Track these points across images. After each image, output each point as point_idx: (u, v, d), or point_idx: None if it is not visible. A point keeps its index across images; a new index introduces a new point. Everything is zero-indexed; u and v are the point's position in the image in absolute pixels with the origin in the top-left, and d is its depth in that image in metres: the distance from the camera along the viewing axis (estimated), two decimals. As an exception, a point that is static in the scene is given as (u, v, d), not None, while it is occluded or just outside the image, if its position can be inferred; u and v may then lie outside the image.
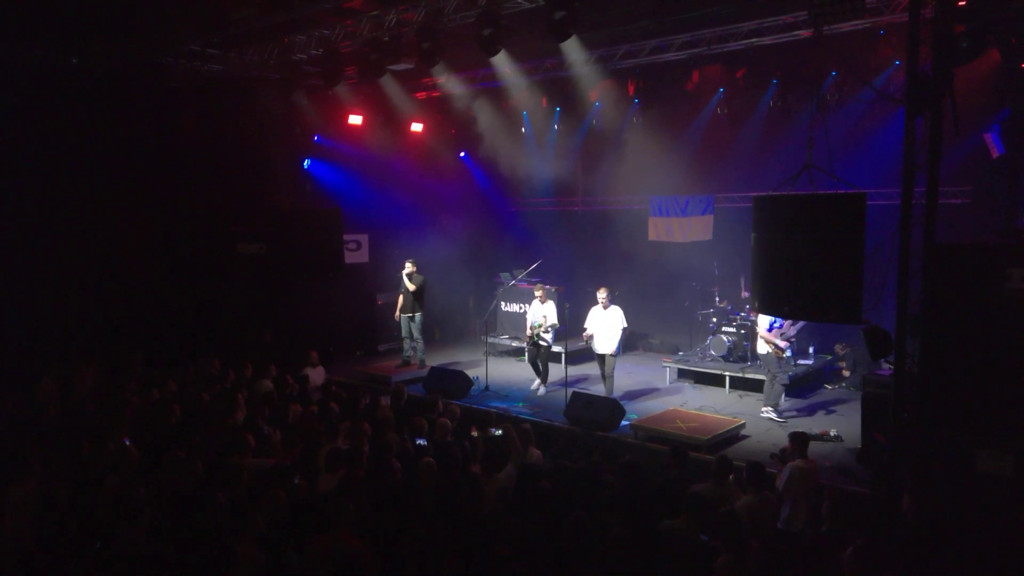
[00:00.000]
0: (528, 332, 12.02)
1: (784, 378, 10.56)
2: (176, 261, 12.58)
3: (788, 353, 10.90)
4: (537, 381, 12.01)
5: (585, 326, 11.35)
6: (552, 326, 11.81)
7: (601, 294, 11.31)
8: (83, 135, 11.49)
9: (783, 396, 10.66)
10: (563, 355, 11.81)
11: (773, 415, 10.26)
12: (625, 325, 11.18)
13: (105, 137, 11.68)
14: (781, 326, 10.59)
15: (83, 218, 11.60)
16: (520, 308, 14.53)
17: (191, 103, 12.68)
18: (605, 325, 11.11)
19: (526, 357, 12.37)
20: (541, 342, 11.80)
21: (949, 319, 6.74)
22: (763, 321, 10.57)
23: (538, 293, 12.04)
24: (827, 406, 11.00)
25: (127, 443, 6.84)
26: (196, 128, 12.69)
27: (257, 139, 13.27)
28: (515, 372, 13.42)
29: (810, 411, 10.73)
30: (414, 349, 13.14)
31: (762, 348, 10.59)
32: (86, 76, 11.52)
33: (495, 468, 6.61)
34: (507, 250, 16.39)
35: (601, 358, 11.29)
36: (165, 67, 12.21)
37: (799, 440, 6.87)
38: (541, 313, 11.86)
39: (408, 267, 12.83)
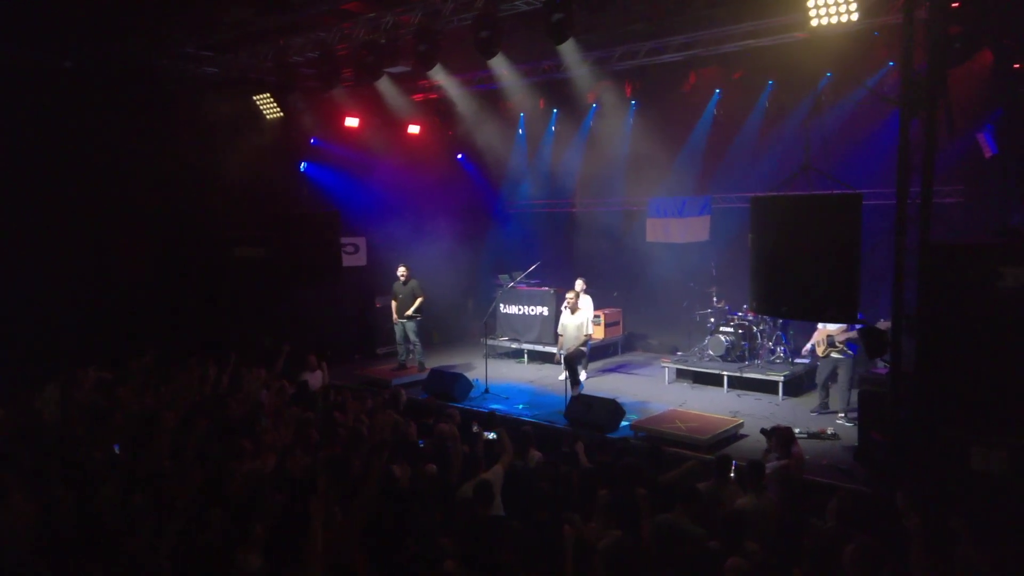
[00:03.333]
0: (558, 353, 11.81)
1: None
2: (174, 266, 12.62)
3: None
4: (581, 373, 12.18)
5: (558, 330, 11.76)
6: (587, 337, 11.65)
7: (579, 285, 11.69)
8: (77, 140, 11.52)
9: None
10: (563, 356, 11.85)
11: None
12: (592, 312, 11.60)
13: (99, 141, 11.71)
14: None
15: (79, 224, 11.64)
16: (519, 310, 14.64)
17: (186, 106, 12.73)
18: (574, 324, 11.49)
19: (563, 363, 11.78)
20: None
21: (944, 318, 6.84)
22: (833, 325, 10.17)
23: (571, 296, 11.56)
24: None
25: (116, 450, 6.85)
26: (192, 131, 12.74)
27: (254, 142, 13.33)
28: (515, 374, 13.49)
29: (806, 409, 10.80)
30: (411, 352, 13.21)
31: (836, 352, 10.33)
32: (80, 80, 11.57)
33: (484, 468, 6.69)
34: (506, 252, 16.47)
35: (570, 361, 11.35)
36: (160, 70, 12.26)
37: (783, 436, 6.96)
38: (576, 323, 11.53)
39: (402, 272, 12.91)
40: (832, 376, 10.52)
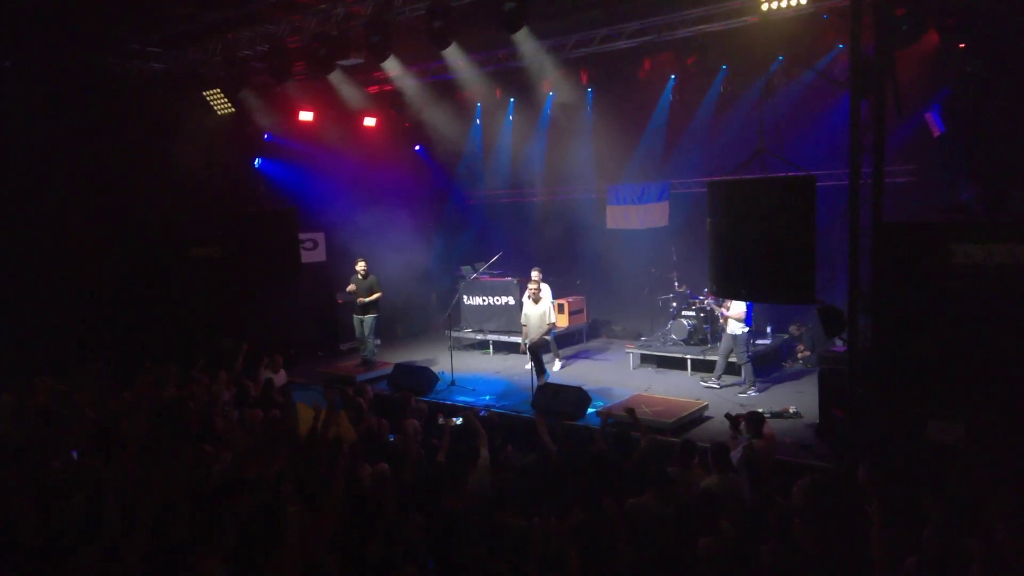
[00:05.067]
0: (523, 343, 11.89)
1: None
2: (127, 268, 12.38)
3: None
4: (555, 362, 12.69)
5: (521, 320, 11.85)
6: (551, 326, 11.78)
7: (535, 275, 11.79)
8: (21, 140, 11.21)
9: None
10: (528, 345, 11.87)
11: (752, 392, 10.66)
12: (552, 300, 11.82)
13: (44, 142, 11.41)
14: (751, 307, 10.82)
15: (26, 227, 11.34)
16: (483, 301, 14.63)
17: (135, 104, 12.45)
18: (537, 313, 11.59)
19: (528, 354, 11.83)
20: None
21: (898, 295, 6.98)
22: (738, 304, 10.72)
23: (532, 287, 11.71)
24: (786, 384, 11.31)
25: (74, 456, 6.72)
26: (141, 129, 12.47)
27: (206, 139, 13.09)
28: (480, 365, 13.50)
29: (770, 390, 11.01)
30: (363, 345, 13.12)
31: (735, 328, 10.75)
32: (22, 79, 11.24)
33: (470, 457, 6.68)
34: (467, 243, 16.45)
35: (534, 350, 11.43)
36: (106, 68, 11.96)
37: (754, 420, 7.08)
38: (538, 312, 11.64)
39: (360, 267, 12.81)
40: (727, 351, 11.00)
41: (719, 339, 12.29)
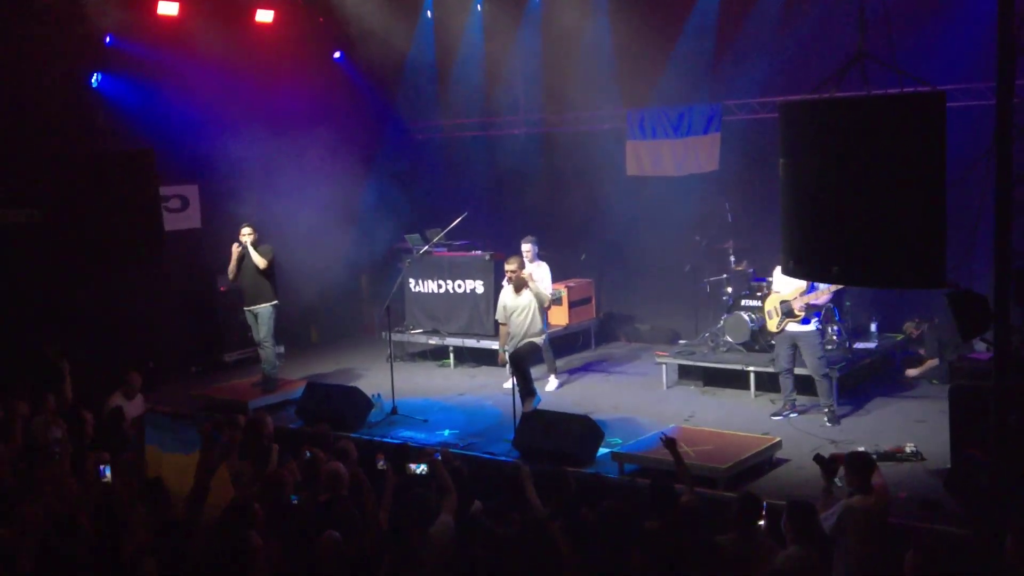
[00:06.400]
0: (502, 352, 11.96)
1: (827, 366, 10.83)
2: None
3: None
4: (550, 378, 12.84)
5: (497, 317, 11.93)
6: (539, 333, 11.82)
7: (527, 249, 11.92)
8: None
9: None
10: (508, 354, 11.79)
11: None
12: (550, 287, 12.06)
13: None
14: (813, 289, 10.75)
15: None
16: (439, 287, 14.53)
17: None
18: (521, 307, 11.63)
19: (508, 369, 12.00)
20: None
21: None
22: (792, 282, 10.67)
23: (510, 268, 11.73)
24: (899, 409, 11.24)
25: None
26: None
27: (18, 44, 12.83)
28: (436, 383, 13.45)
29: (874, 417, 10.96)
30: (264, 359, 12.95)
31: (802, 323, 10.73)
32: None
33: (424, 522, 6.58)
34: (415, 200, 16.36)
35: (518, 361, 11.44)
36: None
37: (859, 467, 7.00)
38: (523, 305, 11.68)
39: (247, 235, 12.65)
40: (794, 358, 10.86)
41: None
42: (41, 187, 11.93)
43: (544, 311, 11.94)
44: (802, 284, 10.52)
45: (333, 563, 6.30)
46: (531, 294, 11.60)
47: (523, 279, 11.59)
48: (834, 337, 12.34)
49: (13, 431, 9.53)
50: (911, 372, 12.42)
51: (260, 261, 12.53)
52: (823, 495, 7.18)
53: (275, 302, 12.77)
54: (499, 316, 11.91)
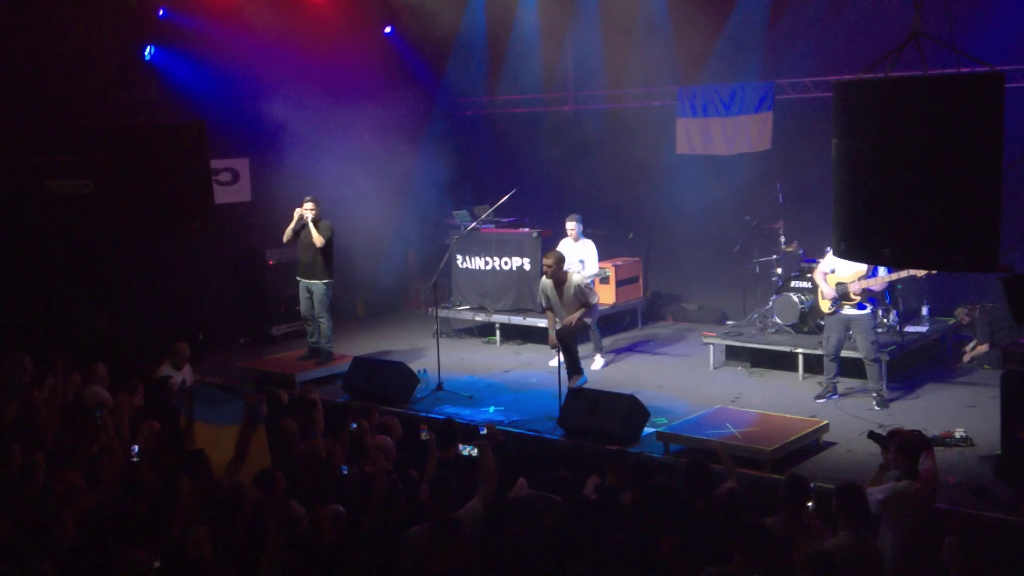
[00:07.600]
0: (551, 333, 11.75)
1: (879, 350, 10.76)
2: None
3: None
4: (596, 357, 12.77)
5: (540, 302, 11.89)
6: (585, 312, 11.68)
7: (571, 228, 11.91)
8: None
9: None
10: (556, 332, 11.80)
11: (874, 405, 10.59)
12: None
13: None
14: (875, 274, 10.67)
15: None
16: (486, 264, 14.57)
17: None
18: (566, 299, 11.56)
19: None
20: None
21: None
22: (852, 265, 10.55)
23: (547, 263, 11.58)
24: (950, 394, 11.16)
25: None
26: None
27: (72, 19, 12.97)
28: (481, 360, 13.49)
29: (924, 402, 10.88)
30: (320, 333, 13.03)
31: (849, 309, 10.68)
32: None
33: (460, 500, 6.70)
34: (464, 176, 16.39)
35: (565, 337, 11.37)
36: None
37: (908, 450, 6.96)
38: (568, 296, 11.58)
39: (308, 209, 12.71)
40: (841, 343, 10.82)
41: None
42: (93, 158, 12.12)
43: (592, 290, 11.86)
44: (862, 268, 10.42)
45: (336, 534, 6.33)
46: (571, 288, 11.52)
47: (560, 276, 11.53)
48: (885, 321, 12.25)
49: (65, 398, 9.72)
50: (966, 358, 12.32)
51: (318, 239, 12.57)
52: (879, 470, 7.18)
53: (328, 280, 12.83)
54: (540, 298, 11.92)
